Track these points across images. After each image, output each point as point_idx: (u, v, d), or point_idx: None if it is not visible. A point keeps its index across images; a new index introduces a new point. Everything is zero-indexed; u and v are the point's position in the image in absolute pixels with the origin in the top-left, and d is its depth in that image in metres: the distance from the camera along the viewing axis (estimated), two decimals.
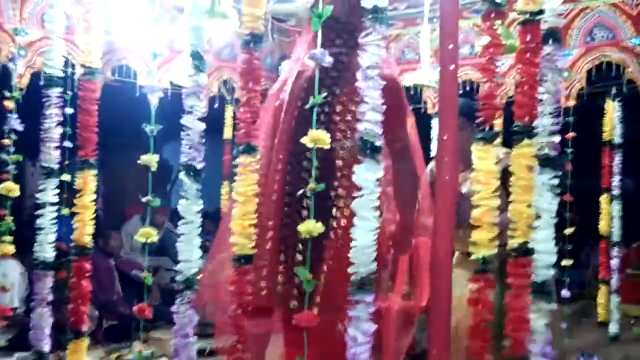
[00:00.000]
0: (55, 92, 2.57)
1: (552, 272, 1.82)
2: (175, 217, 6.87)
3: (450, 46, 1.78)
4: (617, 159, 5.28)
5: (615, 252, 5.31)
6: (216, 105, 4.93)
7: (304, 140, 1.79)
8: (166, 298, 5.79)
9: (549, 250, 1.82)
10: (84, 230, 2.53)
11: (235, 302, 2.01)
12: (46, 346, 2.65)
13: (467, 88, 4.54)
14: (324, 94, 1.93)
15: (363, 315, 1.66)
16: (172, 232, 6.68)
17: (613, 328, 5.27)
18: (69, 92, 3.54)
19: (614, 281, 5.31)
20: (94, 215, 2.62)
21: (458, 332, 2.13)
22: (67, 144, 3.34)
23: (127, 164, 7.03)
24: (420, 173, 2.43)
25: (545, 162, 1.84)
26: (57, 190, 2.56)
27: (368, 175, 1.69)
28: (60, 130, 2.58)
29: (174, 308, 2.10)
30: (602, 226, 5.37)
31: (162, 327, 5.18)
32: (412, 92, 5.18)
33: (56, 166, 2.56)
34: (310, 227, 1.77)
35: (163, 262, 6.30)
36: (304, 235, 1.78)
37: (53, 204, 2.59)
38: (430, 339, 1.72)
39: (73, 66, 3.58)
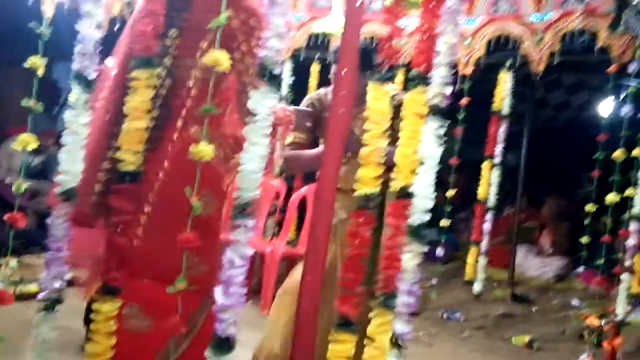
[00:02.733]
0: None
1: (427, 216, 1.90)
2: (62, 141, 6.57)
3: None
4: (503, 129, 5.57)
5: (489, 216, 5.64)
6: (116, 28, 4.72)
7: (204, 60, 1.74)
8: (42, 223, 5.57)
9: (427, 195, 1.90)
10: None
11: (117, 221, 1.98)
12: None
13: (375, 45, 4.59)
14: None
15: (243, 239, 1.67)
16: (57, 157, 6.40)
17: (477, 287, 5.64)
18: None
19: (484, 244, 5.65)
20: None
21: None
22: None
23: (10, 80, 6.65)
24: None
25: (435, 110, 1.91)
26: None
27: (264, 101, 1.68)
28: None
29: (49, 219, 2.02)
30: (481, 191, 5.67)
31: (35, 253, 5.00)
32: (320, 41, 5.20)
33: None
34: (201, 149, 1.74)
35: (43, 185, 6.03)
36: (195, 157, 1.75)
37: None
38: (305, 267, 1.77)
39: None
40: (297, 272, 2.54)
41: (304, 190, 5.12)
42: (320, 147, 2.59)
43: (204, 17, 1.78)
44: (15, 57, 5.99)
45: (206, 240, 1.83)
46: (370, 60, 2.26)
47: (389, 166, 1.94)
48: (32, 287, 4.26)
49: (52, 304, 2.03)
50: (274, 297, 4.82)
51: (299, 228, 5.32)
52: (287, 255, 4.88)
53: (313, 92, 2.85)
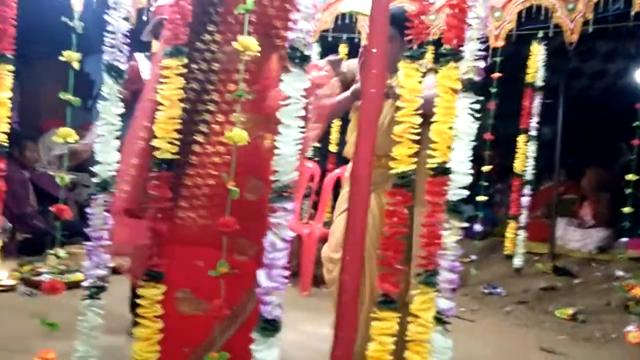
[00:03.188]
0: None
1: (465, 192, 1.89)
2: None
3: None
4: (537, 102, 5.47)
5: (527, 190, 5.57)
6: (145, 17, 4.77)
7: (235, 45, 1.75)
8: (83, 214, 5.69)
9: (464, 171, 1.88)
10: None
11: (154, 206, 2.00)
12: None
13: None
14: None
15: (283, 222, 1.68)
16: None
17: (517, 261, 5.58)
18: None
19: (523, 218, 5.59)
20: (9, 120, 2.49)
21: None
22: None
23: (46, 75, 6.76)
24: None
25: (468, 86, 1.88)
26: None
27: (296, 84, 1.69)
28: None
29: (89, 209, 2.07)
30: (517, 165, 5.59)
31: (77, 243, 5.11)
32: (347, 21, 5.18)
33: None
34: (235, 135, 1.75)
35: (82, 177, 6.14)
36: (229, 142, 1.77)
37: None
38: (345, 248, 1.77)
39: None
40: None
41: (338, 171, 5.13)
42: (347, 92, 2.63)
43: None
44: (45, 53, 6.08)
45: (255, 224, 1.86)
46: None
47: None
48: (77, 276, 4.37)
49: (97, 291, 2.09)
50: (313, 279, 4.91)
51: (334, 209, 5.33)
52: (324, 236, 4.90)
53: (349, 60, 2.86)
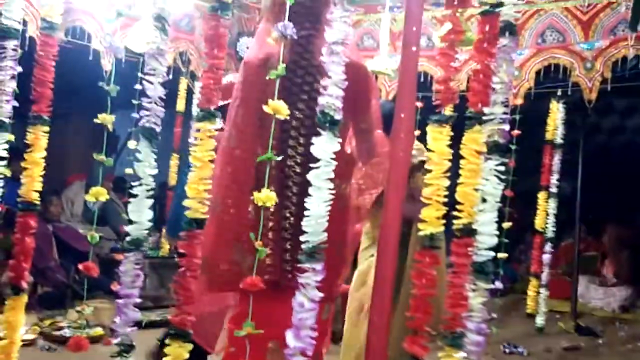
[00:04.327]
0: (11, 44, 2.48)
1: (491, 253, 1.90)
2: (120, 187, 6.73)
3: (414, 28, 1.85)
4: (557, 159, 5.49)
5: (548, 247, 5.53)
6: (170, 77, 4.89)
7: (266, 108, 1.81)
8: (105, 268, 5.74)
9: (490, 232, 1.91)
10: (32, 186, 2.49)
11: (184, 266, 2.03)
12: None
13: (422, 79, 4.63)
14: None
15: (312, 283, 1.70)
16: (115, 202, 6.59)
17: (539, 320, 5.50)
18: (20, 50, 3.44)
19: (544, 275, 5.53)
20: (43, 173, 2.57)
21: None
22: (14, 103, 3.24)
23: (70, 130, 6.92)
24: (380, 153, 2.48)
25: (493, 148, 1.93)
26: (6, 145, 2.48)
27: (326, 147, 1.74)
28: (14, 84, 2.50)
29: (120, 267, 2.10)
30: (538, 222, 5.57)
31: (98, 297, 5.13)
32: None
33: (7, 120, 2.48)
34: (265, 196, 1.80)
35: (103, 232, 6.21)
36: (259, 204, 1.81)
37: (1, 158, 2.52)
38: (372, 309, 1.78)
39: (26, 24, 3.48)
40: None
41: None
42: None
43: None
44: (71, 109, 6.22)
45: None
46: None
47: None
48: (97, 331, 4.37)
49: (126, 349, 2.11)
50: (332, 332, 4.86)
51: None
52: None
53: None
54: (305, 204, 1.80)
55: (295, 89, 2.10)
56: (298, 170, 2.06)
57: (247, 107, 2.16)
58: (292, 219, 2.07)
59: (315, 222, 1.71)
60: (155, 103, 2.11)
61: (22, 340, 4.25)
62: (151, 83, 2.06)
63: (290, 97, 2.03)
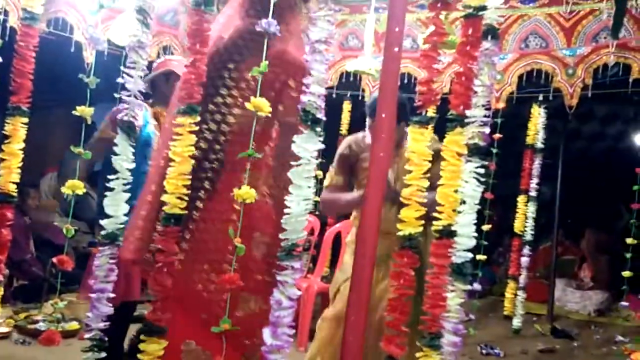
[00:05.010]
0: None
1: (470, 255, 1.91)
2: (96, 181, 6.68)
3: (397, 29, 1.85)
4: (537, 163, 5.54)
5: (526, 250, 5.57)
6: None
7: (248, 106, 1.81)
8: (80, 262, 5.69)
9: (469, 234, 1.92)
10: (9, 178, 2.46)
11: (161, 262, 2.01)
12: None
13: (406, 81, 4.64)
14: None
15: (290, 281, 1.70)
16: (89, 195, 6.51)
17: (516, 322, 5.54)
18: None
19: (522, 278, 5.57)
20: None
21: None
22: None
23: (50, 122, 6.84)
24: None
25: (474, 150, 1.94)
26: None
27: (307, 145, 1.73)
28: None
29: (94, 261, 2.08)
30: (517, 225, 5.61)
31: (74, 291, 5.08)
32: (351, 79, 5.28)
33: None
34: (244, 192, 1.79)
35: (78, 225, 6.14)
36: (238, 199, 1.80)
37: None
38: (349, 306, 1.78)
39: (7, 13, 3.44)
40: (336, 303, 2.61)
41: (338, 226, 5.14)
42: (356, 192, 2.64)
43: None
44: (50, 101, 6.15)
45: (258, 280, 1.88)
46: (404, 110, 2.32)
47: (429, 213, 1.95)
48: (72, 325, 4.33)
49: (98, 344, 2.09)
50: (310, 333, 4.86)
51: (333, 264, 5.32)
52: (322, 290, 4.88)
53: (350, 136, 2.90)
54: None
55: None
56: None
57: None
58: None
59: (295, 220, 1.71)
60: (135, 96, 2.10)
61: None
62: (131, 76, 2.04)
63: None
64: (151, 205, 2.17)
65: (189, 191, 2.04)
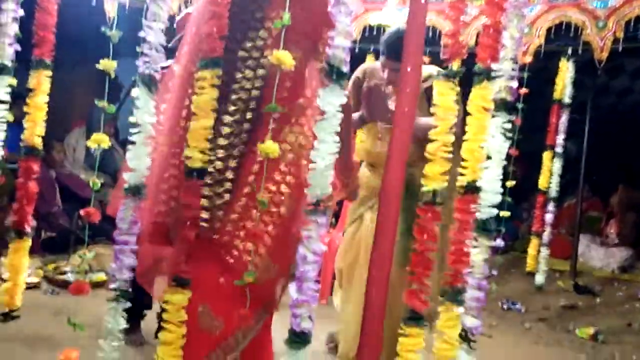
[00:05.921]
0: None
1: (495, 210, 1.89)
2: (120, 136, 6.70)
3: None
4: (564, 118, 5.44)
5: (550, 206, 5.53)
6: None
7: (272, 59, 1.78)
8: (106, 215, 5.74)
9: (495, 189, 1.89)
10: (35, 131, 2.46)
11: (186, 216, 2.01)
12: None
13: (430, 34, 4.55)
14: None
15: (315, 235, 1.70)
16: (115, 150, 6.57)
17: (539, 278, 5.55)
18: None
19: (546, 235, 5.55)
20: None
21: None
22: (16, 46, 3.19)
23: (73, 77, 6.87)
24: None
25: (501, 105, 1.90)
26: (9, 89, 2.45)
27: (332, 99, 1.71)
28: (16, 27, 2.45)
29: (117, 213, 2.09)
30: (542, 181, 5.56)
31: (101, 243, 5.18)
32: (374, 33, 5.20)
33: (10, 63, 2.44)
34: (268, 146, 1.77)
35: (104, 179, 6.21)
36: (262, 155, 1.79)
37: (3, 102, 2.49)
38: (372, 261, 1.78)
39: None
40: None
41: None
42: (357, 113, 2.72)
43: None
44: (74, 56, 6.18)
45: (281, 244, 1.88)
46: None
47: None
48: (100, 276, 4.43)
49: (122, 294, 2.12)
50: (331, 287, 4.91)
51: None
52: None
53: (368, 63, 2.96)
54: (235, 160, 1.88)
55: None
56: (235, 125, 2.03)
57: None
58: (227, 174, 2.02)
59: (320, 176, 1.69)
60: (156, 50, 2.07)
61: (26, 284, 4.34)
62: (151, 29, 2.01)
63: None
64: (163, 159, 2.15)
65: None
